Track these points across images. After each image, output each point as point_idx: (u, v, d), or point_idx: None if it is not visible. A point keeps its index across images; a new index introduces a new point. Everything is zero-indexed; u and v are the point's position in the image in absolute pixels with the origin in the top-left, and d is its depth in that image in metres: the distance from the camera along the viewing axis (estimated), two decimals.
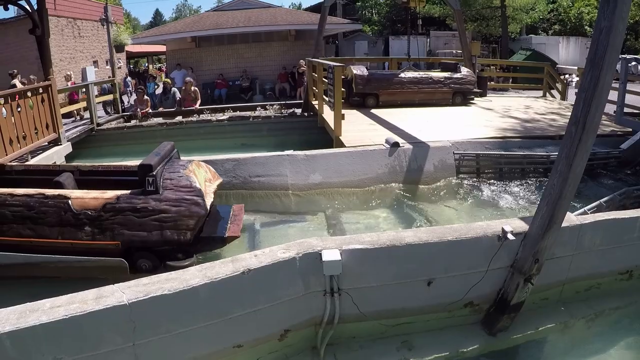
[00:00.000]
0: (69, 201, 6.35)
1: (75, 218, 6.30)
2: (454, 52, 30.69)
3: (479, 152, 10.43)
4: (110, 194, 6.44)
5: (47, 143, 11.94)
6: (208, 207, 6.74)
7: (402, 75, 16.47)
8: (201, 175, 7.19)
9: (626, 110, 13.84)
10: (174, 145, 7.66)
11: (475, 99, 18.04)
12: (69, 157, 12.39)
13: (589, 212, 7.06)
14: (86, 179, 7.64)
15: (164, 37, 28.06)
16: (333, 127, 11.44)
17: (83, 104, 16.39)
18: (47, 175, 7.48)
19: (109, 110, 19.01)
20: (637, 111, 14.59)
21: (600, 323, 6.44)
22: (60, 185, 6.95)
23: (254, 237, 7.74)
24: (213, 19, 29.70)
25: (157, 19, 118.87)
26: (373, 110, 15.02)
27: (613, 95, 13.06)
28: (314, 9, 41.23)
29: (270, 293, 4.82)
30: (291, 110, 17.19)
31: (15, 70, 17.94)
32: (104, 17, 20.00)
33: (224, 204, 8.07)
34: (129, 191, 6.49)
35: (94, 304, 4.05)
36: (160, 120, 16.23)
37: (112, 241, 6.30)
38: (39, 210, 6.33)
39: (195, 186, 6.71)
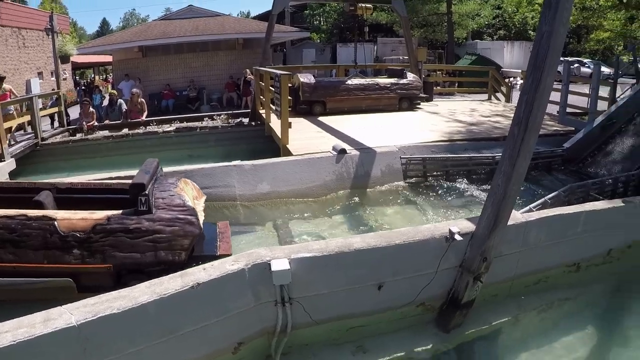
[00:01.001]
0: (55, 222, 5.94)
1: (62, 240, 5.90)
2: (401, 58, 31.05)
3: (425, 155, 10.56)
4: (100, 214, 6.10)
5: None
6: (202, 226, 6.55)
7: (349, 82, 16.58)
8: (189, 193, 7.01)
9: (568, 110, 14.20)
10: (158, 162, 7.41)
11: (422, 103, 18.24)
12: (12, 174, 12.05)
13: (534, 209, 7.22)
14: (65, 197, 7.14)
15: (110, 47, 27.54)
16: (280, 136, 11.42)
17: (27, 118, 16.02)
18: (21, 194, 7.06)
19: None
20: (579, 111, 14.99)
21: (551, 314, 6.65)
22: (41, 205, 6.46)
23: None
24: (160, 28, 29.40)
25: (104, 29, 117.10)
26: (320, 118, 15.07)
27: (557, 97, 13.49)
28: (262, 17, 41.23)
29: (221, 306, 4.80)
30: (238, 120, 17.11)
31: None
32: (49, 26, 19.54)
33: (206, 221, 7.89)
34: (120, 211, 6.18)
35: (42, 327, 3.95)
36: (106, 133, 15.89)
37: (103, 264, 5.95)
38: (21, 233, 5.88)
39: (188, 205, 6.50)
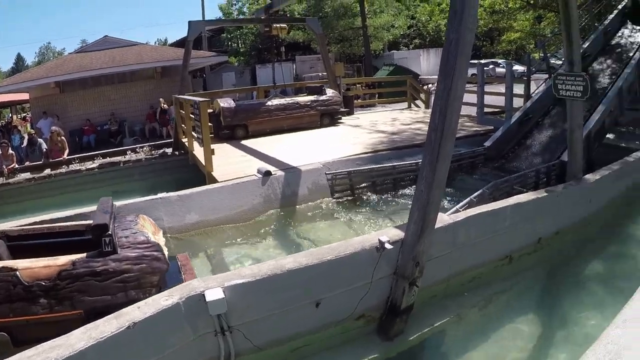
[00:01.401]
0: (17, 273, 5.53)
1: (26, 291, 5.51)
2: (320, 74, 31.24)
3: (350, 169, 10.67)
4: (64, 259, 5.74)
5: None
6: (168, 261, 6.34)
7: (269, 103, 16.65)
8: (149, 228, 6.79)
9: (486, 110, 14.66)
10: (112, 200, 7.20)
11: (343, 118, 18.48)
12: None
13: (460, 209, 7.39)
14: (18, 245, 6.62)
15: (26, 84, 26.14)
16: (204, 163, 11.35)
17: None
18: None
19: None
20: (496, 110, 15.44)
21: (491, 308, 6.85)
22: None
23: None
24: (77, 61, 28.60)
25: (19, 65, 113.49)
26: (243, 142, 15.07)
27: (475, 98, 13.88)
28: (179, 43, 40.82)
29: (160, 343, 4.70)
30: (162, 151, 16.86)
31: None
32: None
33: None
34: (84, 255, 5.86)
35: None
36: (28, 175, 15.38)
37: (73, 310, 5.60)
38: None
39: (152, 241, 6.30)
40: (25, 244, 6.66)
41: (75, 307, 5.63)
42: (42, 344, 4.31)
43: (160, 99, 23.17)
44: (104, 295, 5.75)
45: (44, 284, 5.57)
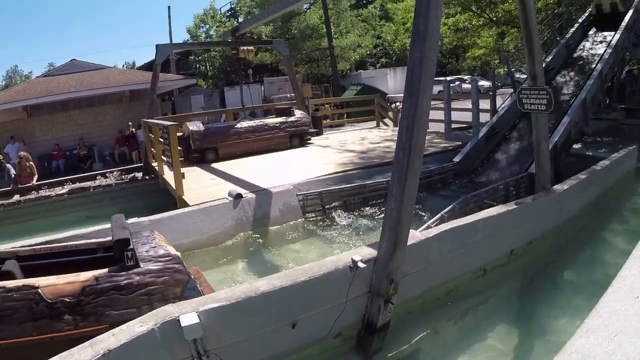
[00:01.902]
0: (40, 290, 5.47)
1: (50, 308, 5.45)
2: (289, 95, 31.31)
3: (320, 189, 10.71)
4: (87, 275, 5.74)
5: None
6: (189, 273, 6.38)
7: (239, 125, 16.72)
8: (164, 243, 6.80)
9: (454, 126, 14.82)
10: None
11: (313, 138, 18.63)
12: None
13: (432, 225, 7.45)
14: (29, 265, 6.47)
15: None
16: (175, 187, 11.34)
17: None
18: None
19: None
20: (464, 125, 15.62)
21: (468, 321, 6.89)
22: (10, 275, 5.82)
23: None
24: (44, 85, 28.26)
25: None
26: (214, 165, 15.08)
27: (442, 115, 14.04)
28: (147, 67, 40.67)
29: None
30: (132, 175, 16.72)
31: None
32: None
33: None
34: (105, 270, 5.86)
35: None
36: None
37: (99, 325, 5.49)
38: (2, 307, 5.33)
39: (173, 254, 6.37)
40: (36, 264, 6.55)
41: (101, 322, 5.57)
42: None
43: (129, 123, 23.02)
44: (130, 309, 5.73)
45: (67, 300, 5.53)
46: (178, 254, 6.55)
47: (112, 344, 4.52)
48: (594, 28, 17.09)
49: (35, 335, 5.39)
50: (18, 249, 6.91)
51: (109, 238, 6.52)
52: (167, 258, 6.27)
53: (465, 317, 6.93)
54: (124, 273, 5.87)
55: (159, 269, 6.09)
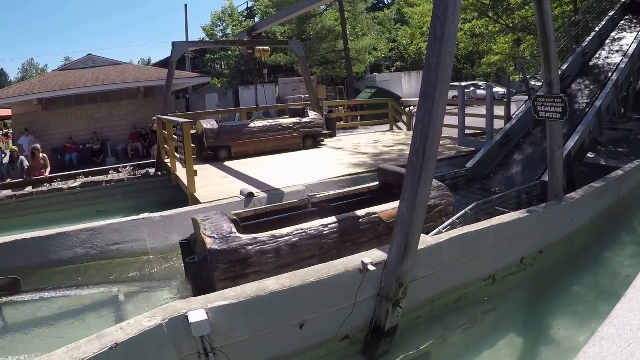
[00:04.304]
0: (379, 215, 7.42)
1: (387, 227, 7.26)
2: (303, 97, 31.36)
3: (333, 191, 10.65)
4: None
5: None
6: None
7: (252, 125, 16.74)
8: None
9: (468, 132, 14.75)
10: None
11: (326, 140, 18.62)
12: None
13: (443, 231, 7.42)
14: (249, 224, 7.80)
15: (7, 101, 25.83)
16: (187, 184, 11.36)
17: None
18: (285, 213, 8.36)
19: None
20: (477, 131, 15.56)
21: (476, 329, 6.83)
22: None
23: (119, 308, 7.46)
24: (60, 79, 28.40)
25: (2, 80, 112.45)
26: (226, 163, 15.10)
27: (456, 120, 14.00)
28: (163, 64, 40.74)
29: None
30: (145, 171, 16.67)
31: None
32: None
33: None
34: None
35: None
36: (9, 192, 15.27)
37: None
38: (361, 228, 7.26)
39: (443, 184, 8.59)
40: (254, 223, 7.98)
41: None
42: None
43: (154, 118, 23.03)
44: (430, 223, 7.56)
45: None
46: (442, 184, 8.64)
47: (120, 337, 4.54)
48: (629, 15, 17.07)
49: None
50: (240, 211, 8.37)
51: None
52: (442, 187, 8.42)
53: (474, 324, 6.89)
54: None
55: (440, 194, 8.18)
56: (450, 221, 7.79)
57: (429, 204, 7.22)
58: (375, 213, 7.44)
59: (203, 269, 6.60)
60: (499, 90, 31.45)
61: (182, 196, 12.18)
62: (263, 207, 8.67)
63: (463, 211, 8.06)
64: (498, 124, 13.70)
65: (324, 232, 7.00)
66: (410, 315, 6.41)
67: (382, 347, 6.01)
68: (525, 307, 7.56)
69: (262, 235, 6.73)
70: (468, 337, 6.74)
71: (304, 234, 6.94)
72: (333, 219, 7.15)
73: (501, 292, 7.57)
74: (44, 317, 7.41)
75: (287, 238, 6.82)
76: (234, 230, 6.75)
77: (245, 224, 7.64)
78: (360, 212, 7.40)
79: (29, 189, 15.37)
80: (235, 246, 6.49)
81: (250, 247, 6.55)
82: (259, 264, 6.56)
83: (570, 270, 8.48)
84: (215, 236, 6.56)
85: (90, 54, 32.49)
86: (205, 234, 6.62)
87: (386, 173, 9.28)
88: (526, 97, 14.08)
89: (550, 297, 7.70)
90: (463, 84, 34.10)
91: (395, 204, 7.10)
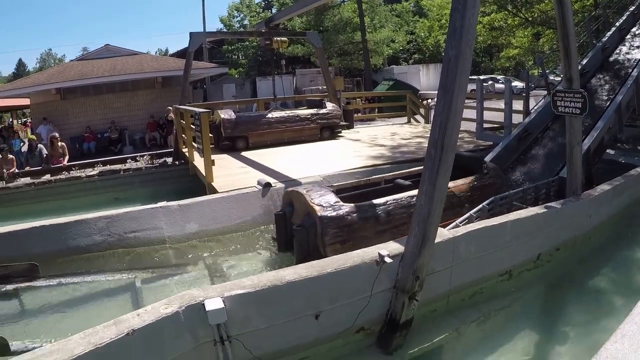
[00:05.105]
0: (453, 190, 8.32)
1: (459, 199, 8.53)
2: (320, 88, 31.32)
3: (350, 181, 10.65)
4: (470, 179, 8.98)
5: None
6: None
7: (270, 115, 16.72)
8: None
9: (486, 126, 14.68)
10: None
11: (343, 131, 18.55)
12: None
13: (460, 224, 7.40)
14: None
15: (26, 90, 26.14)
16: (204, 174, 11.38)
17: None
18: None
19: None
20: (495, 125, 15.48)
21: (490, 325, 6.80)
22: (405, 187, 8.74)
23: (136, 295, 7.46)
24: (78, 68, 28.59)
25: (21, 70, 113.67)
26: (244, 153, 15.11)
27: (474, 114, 13.94)
28: (180, 54, 40.88)
29: (159, 351, 4.68)
30: (162, 160, 16.85)
31: None
32: None
33: None
34: (472, 177, 9.02)
35: None
36: (28, 180, 15.38)
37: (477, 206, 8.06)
38: None
39: (495, 166, 9.84)
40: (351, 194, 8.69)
41: (474, 206, 8.10)
42: (40, 348, 4.33)
43: (169, 108, 23.05)
44: (488, 199, 8.18)
45: (465, 194, 8.70)
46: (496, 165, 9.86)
47: (137, 323, 4.57)
48: None
49: (451, 218, 7.80)
50: (336, 184, 9.11)
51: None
52: (496, 168, 9.60)
53: (488, 319, 6.85)
54: (485, 178, 9.12)
55: (495, 174, 9.32)
56: (467, 215, 7.77)
57: (486, 182, 9.03)
58: (448, 188, 7.55)
59: (309, 235, 7.32)
60: (518, 84, 31.22)
61: (199, 185, 12.23)
62: (341, 183, 9.28)
63: (480, 205, 8.03)
64: (516, 118, 13.62)
65: (412, 203, 7.53)
66: (425, 308, 6.39)
67: (397, 339, 6.00)
68: (541, 303, 7.53)
69: (363, 204, 7.60)
70: (483, 331, 6.71)
71: (397, 203, 7.82)
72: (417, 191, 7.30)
73: (517, 288, 7.53)
74: (62, 302, 7.48)
75: (383, 207, 7.71)
76: (338, 199, 7.59)
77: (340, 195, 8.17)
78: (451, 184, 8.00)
79: (47, 176, 15.55)
80: (341, 213, 7.31)
81: (354, 214, 7.37)
82: (362, 229, 7.36)
83: (587, 267, 8.44)
84: (324, 204, 7.38)
85: (107, 44, 32.65)
86: (313, 203, 7.42)
87: None
88: (545, 92, 13.98)
89: (567, 294, 7.65)
90: (481, 77, 33.89)
91: (464, 180, 8.80)
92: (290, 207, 8.27)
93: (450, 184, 7.87)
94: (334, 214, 7.26)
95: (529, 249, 7.75)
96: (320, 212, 7.23)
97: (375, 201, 7.76)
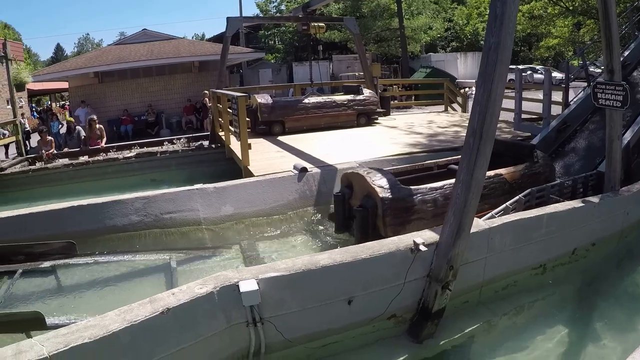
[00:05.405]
0: (504, 177, 8.59)
1: (510, 187, 8.52)
2: (357, 74, 31.25)
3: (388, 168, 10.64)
4: (520, 167, 8.97)
5: None
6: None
7: (306, 100, 16.75)
8: None
9: (524, 116, 14.50)
10: None
11: (380, 118, 18.43)
12: None
13: (496, 215, 7.34)
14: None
15: (65, 74, 26.79)
16: (241, 157, 11.46)
17: None
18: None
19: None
20: (534, 116, 15.29)
21: (522, 317, 6.77)
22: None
23: (171, 275, 7.52)
24: (115, 53, 28.97)
25: (59, 54, 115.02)
26: (280, 138, 15.14)
27: (512, 104, 13.80)
28: (216, 39, 40.98)
29: (193, 330, 4.74)
30: (199, 143, 17.00)
31: None
32: (2, 53, 19.23)
33: None
34: (523, 165, 9.02)
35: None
36: (66, 161, 15.62)
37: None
38: (489, 188, 8.21)
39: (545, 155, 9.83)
40: (411, 177, 9.07)
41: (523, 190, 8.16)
42: (76, 323, 4.42)
43: (205, 92, 23.14)
44: (538, 186, 8.33)
45: (516, 181, 8.68)
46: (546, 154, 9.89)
47: (172, 302, 4.65)
48: None
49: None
50: (394, 168, 9.33)
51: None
52: (546, 156, 9.61)
53: (520, 313, 6.82)
54: (536, 166, 9.11)
55: (545, 163, 9.33)
56: (503, 206, 7.70)
57: (537, 171, 9.05)
58: (502, 174, 8.57)
59: (370, 216, 7.55)
60: (557, 75, 30.82)
61: (235, 169, 12.33)
62: (396, 167, 9.59)
63: (517, 197, 7.96)
64: (555, 110, 13.44)
65: None
66: (458, 298, 6.36)
67: (428, 328, 6.00)
68: (575, 299, 7.42)
69: (421, 187, 7.83)
70: (514, 324, 6.67)
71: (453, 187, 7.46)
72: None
73: (550, 282, 7.45)
74: (97, 280, 7.60)
75: (441, 190, 7.95)
76: (398, 182, 7.80)
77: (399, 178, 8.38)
78: (490, 173, 8.18)
79: (85, 158, 15.83)
80: (402, 195, 7.56)
81: (414, 197, 7.64)
82: (421, 211, 7.64)
83: (623, 265, 8.37)
84: (385, 186, 7.58)
85: (145, 29, 32.97)
86: (374, 184, 7.62)
87: (495, 143, 9.59)
88: (584, 84, 13.77)
89: (601, 291, 7.55)
90: (520, 67, 33.48)
91: (515, 168, 8.87)
92: (348, 188, 8.48)
93: (503, 171, 8.59)
94: (394, 195, 7.49)
95: (565, 244, 7.64)
96: (381, 193, 7.45)
97: (433, 185, 7.96)
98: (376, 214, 7.48)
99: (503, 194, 8.29)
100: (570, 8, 25.53)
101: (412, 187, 7.72)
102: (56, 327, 4.81)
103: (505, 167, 8.79)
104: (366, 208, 7.61)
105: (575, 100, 12.86)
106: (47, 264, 7.83)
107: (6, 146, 20.10)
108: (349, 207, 8.35)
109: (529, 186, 8.26)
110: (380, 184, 7.59)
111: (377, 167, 8.50)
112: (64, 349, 4.02)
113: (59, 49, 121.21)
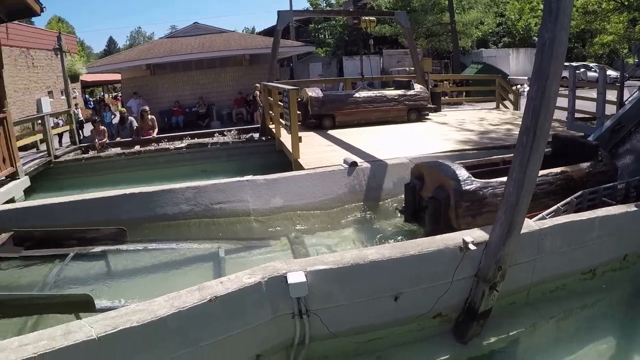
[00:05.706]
0: (570, 174, 8.31)
1: (574, 183, 8.25)
2: (407, 69, 31.09)
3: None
4: (585, 165, 8.62)
5: (4, 177, 11.66)
6: None
7: (357, 95, 16.70)
8: None
9: (577, 115, 14.24)
10: None
11: (430, 114, 18.28)
12: (27, 191, 12.26)
13: (547, 217, 7.22)
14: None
15: (118, 66, 27.63)
16: (291, 150, 11.50)
17: (39, 136, 16.26)
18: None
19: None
20: (587, 116, 15.00)
21: (569, 323, 6.63)
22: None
23: (219, 264, 7.57)
24: (167, 45, 29.51)
25: (111, 47, 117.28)
26: (330, 131, 15.14)
27: (565, 102, 13.54)
28: (267, 32, 41.30)
29: (239, 319, 4.79)
30: (249, 135, 17.17)
31: None
32: (57, 46, 19.74)
33: None
34: (588, 163, 8.63)
35: (62, 340, 3.95)
36: (118, 150, 16.03)
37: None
38: (555, 185, 8.14)
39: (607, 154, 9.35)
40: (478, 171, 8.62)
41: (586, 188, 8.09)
42: (125, 307, 4.54)
43: (257, 85, 23.30)
44: (605, 184, 8.21)
45: (583, 179, 8.38)
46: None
47: (220, 291, 4.71)
48: None
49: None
50: (465, 161, 9.07)
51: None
52: (607, 155, 9.12)
53: (568, 317, 6.66)
54: (599, 165, 8.69)
55: (607, 162, 8.86)
56: (554, 207, 7.56)
57: (601, 169, 8.68)
58: (567, 171, 8.36)
59: (441, 207, 7.59)
60: (611, 73, 30.19)
61: (285, 161, 12.40)
62: (465, 161, 9.17)
63: (569, 198, 7.82)
64: (609, 109, 13.15)
65: (537, 182, 7.33)
66: (505, 299, 6.27)
67: (473, 328, 5.93)
68: (624, 307, 7.28)
69: (492, 181, 7.72)
70: (560, 329, 6.56)
71: None
72: (541, 172, 7.33)
73: (600, 287, 7.23)
74: (147, 266, 7.77)
75: None
76: (470, 175, 7.75)
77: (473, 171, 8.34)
78: (556, 170, 8.22)
79: (137, 147, 16.13)
80: (473, 188, 7.50)
81: (485, 190, 7.55)
82: (491, 204, 7.42)
83: None
84: (457, 178, 7.56)
85: (196, 22, 33.40)
86: (447, 177, 7.66)
87: (558, 140, 9.77)
88: None
89: None
90: (573, 64, 32.90)
91: (580, 166, 8.55)
92: (418, 180, 8.50)
93: (568, 168, 8.36)
94: (467, 187, 7.50)
95: (616, 249, 7.40)
96: (454, 186, 7.49)
97: (503, 179, 7.63)
98: (448, 204, 7.50)
99: (568, 190, 8.00)
100: (626, 3, 24.97)
101: (483, 180, 7.72)
102: (105, 310, 4.94)
103: (570, 165, 8.53)
104: (438, 199, 7.66)
105: (630, 99, 12.54)
106: (98, 249, 8.02)
107: (60, 135, 20.60)
108: (420, 198, 8.38)
109: (593, 185, 8.12)
110: (452, 176, 7.65)
111: (449, 160, 8.52)
112: (112, 331, 4.11)
113: (111, 42, 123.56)
